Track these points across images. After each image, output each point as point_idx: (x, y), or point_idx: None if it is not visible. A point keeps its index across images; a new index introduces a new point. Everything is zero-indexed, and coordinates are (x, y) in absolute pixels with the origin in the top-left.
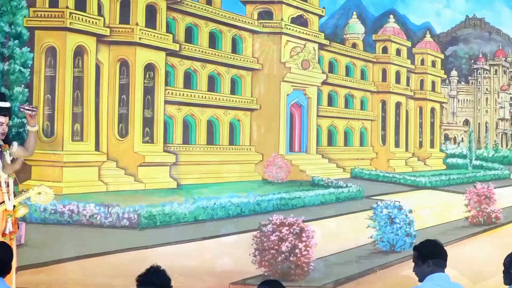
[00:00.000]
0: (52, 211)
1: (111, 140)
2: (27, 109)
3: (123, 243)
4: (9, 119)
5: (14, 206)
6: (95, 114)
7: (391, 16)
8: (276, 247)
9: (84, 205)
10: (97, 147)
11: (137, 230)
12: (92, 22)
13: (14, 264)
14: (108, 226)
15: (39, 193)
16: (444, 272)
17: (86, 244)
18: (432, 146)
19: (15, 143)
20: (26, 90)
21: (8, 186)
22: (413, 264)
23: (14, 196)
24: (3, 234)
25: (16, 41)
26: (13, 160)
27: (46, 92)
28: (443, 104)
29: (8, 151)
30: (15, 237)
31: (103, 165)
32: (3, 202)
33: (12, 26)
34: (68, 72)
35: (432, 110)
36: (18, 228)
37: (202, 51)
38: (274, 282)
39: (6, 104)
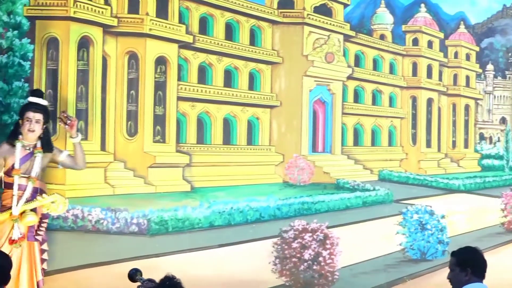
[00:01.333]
0: (55, 216)
1: (118, 139)
2: (62, 119)
3: (132, 251)
4: (47, 120)
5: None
6: (101, 111)
7: (422, 5)
8: (298, 255)
9: (89, 209)
10: (103, 147)
11: (147, 236)
12: (98, 11)
13: (40, 270)
14: (116, 232)
15: (53, 202)
16: (482, 282)
17: (91, 252)
18: (466, 146)
19: (65, 152)
20: (26, 84)
21: (24, 190)
22: (446, 272)
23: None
24: (11, 241)
25: (16, 32)
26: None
27: (47, 87)
28: (478, 101)
29: (40, 155)
30: (20, 246)
31: (110, 166)
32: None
33: (11, 16)
34: (71, 65)
35: (466, 107)
36: (35, 237)
37: (218, 43)
38: None
39: (39, 101)
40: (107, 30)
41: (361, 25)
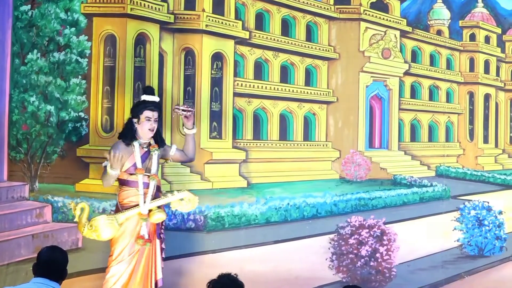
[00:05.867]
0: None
1: (175, 135)
2: (181, 110)
3: (189, 247)
4: (158, 116)
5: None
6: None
7: (479, 0)
8: (355, 251)
9: None
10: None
11: (203, 232)
12: (155, 8)
13: (160, 268)
14: (172, 228)
15: (182, 199)
16: None
17: None
18: None
19: (174, 146)
20: (84, 81)
21: (147, 187)
22: (504, 268)
23: (153, 199)
24: (140, 237)
25: (73, 29)
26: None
27: (105, 83)
28: None
29: (157, 152)
30: (149, 245)
31: (167, 163)
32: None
33: (69, 13)
34: (128, 62)
35: None
36: (161, 235)
37: (274, 39)
38: None
39: (154, 98)
40: (163, 26)
41: (418, 21)
